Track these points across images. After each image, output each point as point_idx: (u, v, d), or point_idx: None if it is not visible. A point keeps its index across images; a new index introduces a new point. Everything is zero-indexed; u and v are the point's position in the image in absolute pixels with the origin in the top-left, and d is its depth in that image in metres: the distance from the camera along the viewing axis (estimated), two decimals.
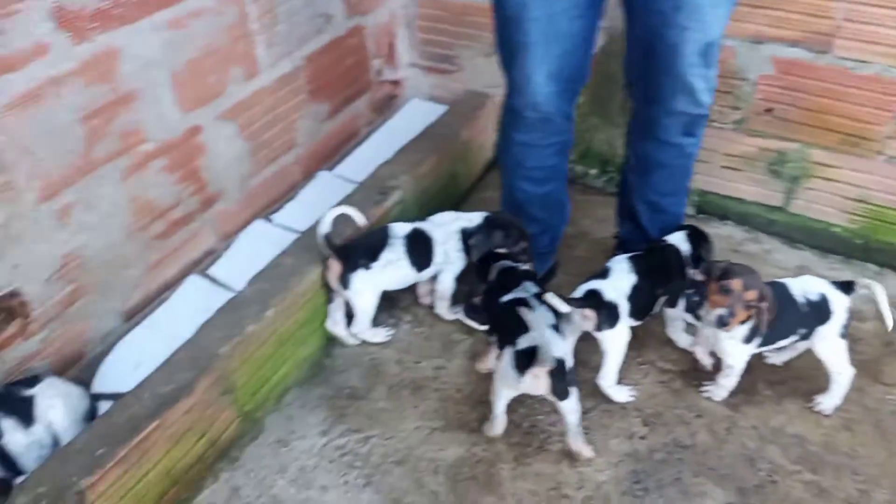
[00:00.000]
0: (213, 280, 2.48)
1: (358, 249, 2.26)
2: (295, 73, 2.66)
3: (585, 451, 2.03)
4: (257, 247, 2.58)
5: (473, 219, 2.36)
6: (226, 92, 2.40)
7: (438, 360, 2.36)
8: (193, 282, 2.46)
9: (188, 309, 2.36)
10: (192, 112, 2.31)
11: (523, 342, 1.91)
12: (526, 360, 1.86)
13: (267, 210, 2.74)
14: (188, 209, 2.42)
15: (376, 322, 2.40)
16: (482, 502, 1.96)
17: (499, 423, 2.09)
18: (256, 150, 2.62)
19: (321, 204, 2.63)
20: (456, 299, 2.46)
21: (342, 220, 2.31)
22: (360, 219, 2.33)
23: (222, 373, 1.96)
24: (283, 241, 2.55)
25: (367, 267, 2.24)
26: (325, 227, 2.23)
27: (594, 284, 2.12)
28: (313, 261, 2.25)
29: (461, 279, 2.42)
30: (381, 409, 2.21)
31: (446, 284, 2.41)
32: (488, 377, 2.27)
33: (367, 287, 2.27)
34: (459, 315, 2.47)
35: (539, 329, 1.93)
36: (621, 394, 2.19)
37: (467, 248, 2.34)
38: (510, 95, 2.13)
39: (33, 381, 1.93)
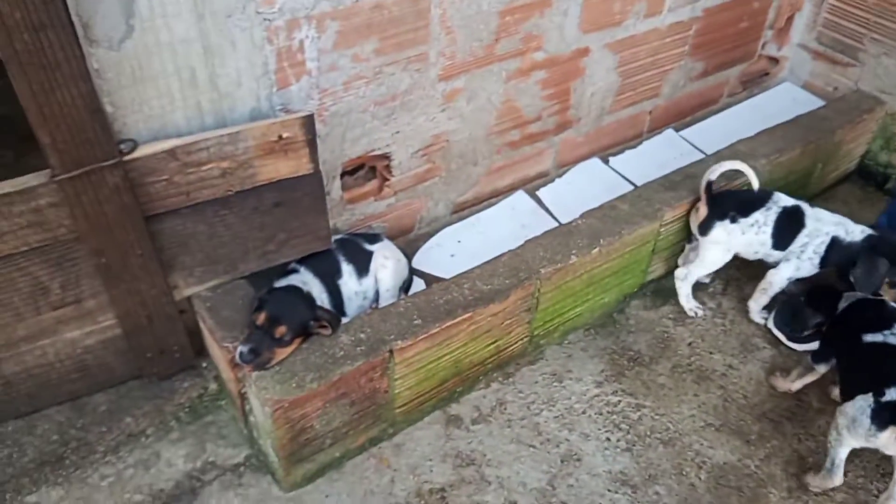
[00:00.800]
0: (538, 201, 2.53)
1: (733, 201, 2.17)
2: (688, 23, 2.55)
3: None
4: (587, 184, 2.57)
5: (852, 231, 2.12)
6: (623, 23, 2.36)
7: (732, 359, 2.22)
8: (520, 197, 2.53)
9: (509, 220, 2.45)
10: (587, 34, 2.31)
11: (893, 394, 1.69)
12: (891, 414, 1.67)
13: (607, 151, 2.71)
14: (544, 127, 2.46)
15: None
16: None
17: (837, 475, 1.87)
18: (623, 90, 2.57)
19: (662, 161, 2.55)
20: (770, 304, 2.27)
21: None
22: (754, 181, 2.21)
23: (534, 291, 2.00)
24: (613, 186, 2.52)
25: (734, 220, 2.15)
26: (712, 175, 2.14)
27: None
28: (647, 215, 2.18)
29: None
30: (660, 384, 2.14)
31: (778, 279, 2.20)
32: (783, 396, 2.11)
33: (723, 240, 2.17)
34: (768, 322, 2.28)
35: None
36: None
37: (825, 258, 2.13)
38: None
39: (373, 238, 2.09)
